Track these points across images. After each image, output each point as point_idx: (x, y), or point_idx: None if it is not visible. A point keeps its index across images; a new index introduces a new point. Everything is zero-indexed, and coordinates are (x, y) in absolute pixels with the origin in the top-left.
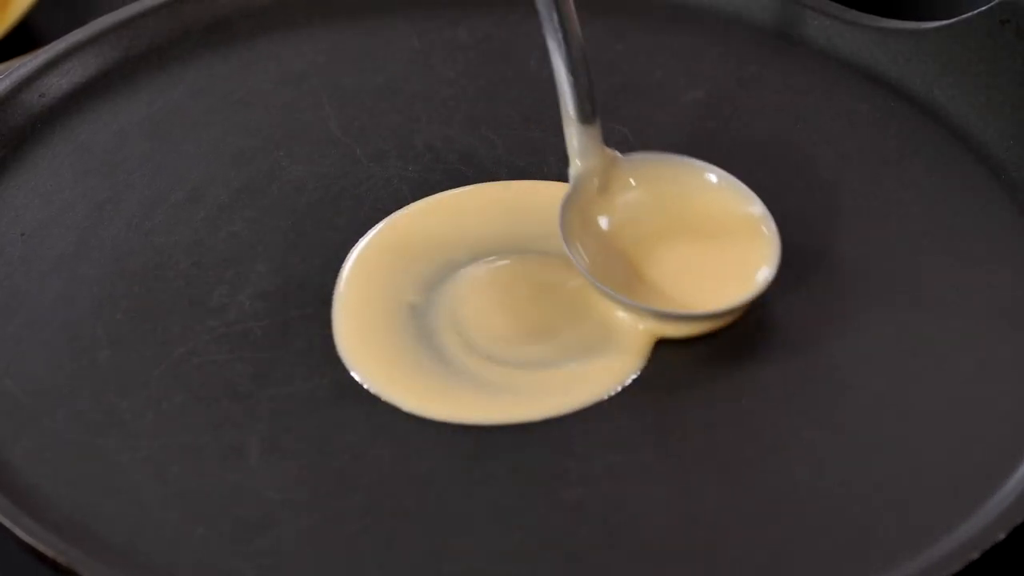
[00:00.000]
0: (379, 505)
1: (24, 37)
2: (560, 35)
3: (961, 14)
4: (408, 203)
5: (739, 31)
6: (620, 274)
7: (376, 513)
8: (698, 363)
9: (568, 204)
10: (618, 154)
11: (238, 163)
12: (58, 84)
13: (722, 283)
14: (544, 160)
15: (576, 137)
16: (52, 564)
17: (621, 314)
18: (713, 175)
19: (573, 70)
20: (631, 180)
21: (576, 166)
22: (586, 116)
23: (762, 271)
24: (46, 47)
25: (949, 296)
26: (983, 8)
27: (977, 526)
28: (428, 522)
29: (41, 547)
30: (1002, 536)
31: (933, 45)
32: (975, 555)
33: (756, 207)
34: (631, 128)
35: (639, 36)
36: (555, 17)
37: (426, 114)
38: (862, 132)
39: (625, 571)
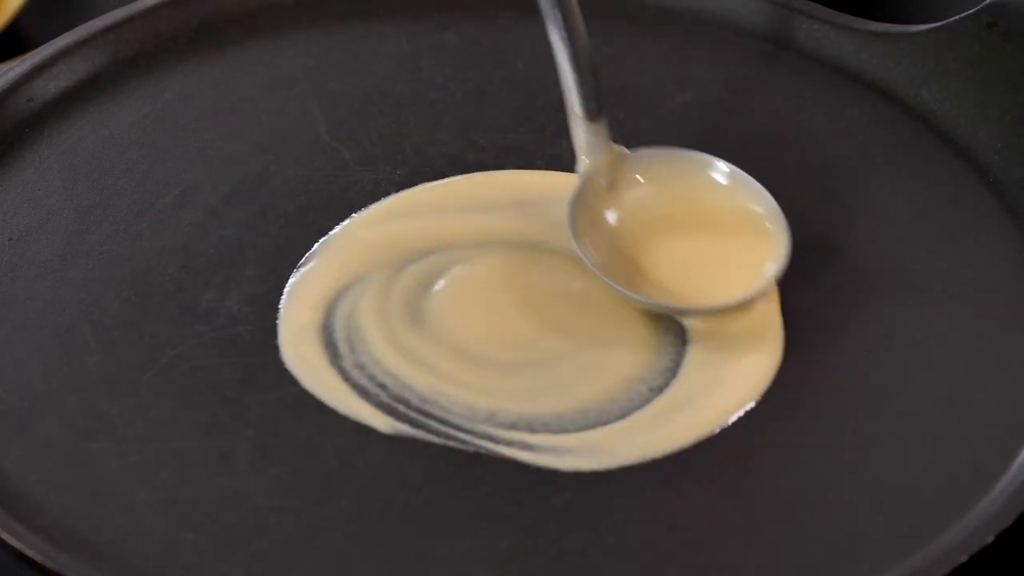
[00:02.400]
0: (368, 510)
1: (12, 41)
2: (565, 32)
3: (949, 17)
4: None
5: (728, 35)
6: (628, 270)
7: (365, 518)
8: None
9: (576, 201)
10: (626, 150)
11: (227, 167)
12: (46, 88)
13: (730, 278)
14: (533, 163)
15: (583, 134)
16: (41, 569)
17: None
18: (720, 171)
19: (578, 67)
20: (638, 176)
21: (583, 163)
22: (592, 113)
23: (769, 266)
24: (34, 51)
25: (938, 299)
26: (971, 11)
27: (966, 529)
28: (417, 527)
29: (30, 552)
30: (991, 539)
31: (921, 48)
32: (964, 558)
33: (764, 202)
34: (620, 132)
35: (629, 40)
36: (559, 14)
37: (415, 118)
38: (851, 135)
39: (615, 575)
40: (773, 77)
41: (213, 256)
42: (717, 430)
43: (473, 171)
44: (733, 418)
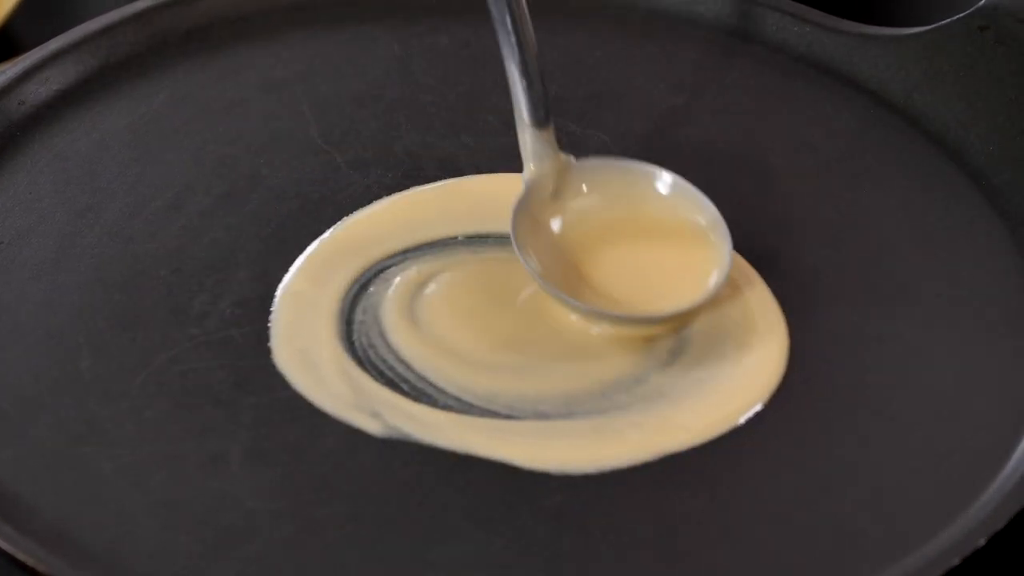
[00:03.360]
0: (360, 513)
1: (4, 44)
2: (514, 39)
3: (940, 20)
4: None
5: (719, 38)
6: (571, 278)
7: (357, 521)
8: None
9: (520, 208)
10: (572, 159)
11: (219, 171)
12: (38, 92)
13: (672, 288)
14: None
15: (530, 141)
16: (33, 573)
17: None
18: (664, 183)
19: (527, 73)
20: (583, 185)
21: (530, 170)
22: (540, 120)
23: (712, 276)
24: (26, 54)
25: (930, 303)
26: (962, 14)
27: (959, 532)
28: (409, 530)
29: (22, 556)
30: (983, 542)
31: (912, 51)
32: (956, 561)
33: (707, 213)
34: (610, 134)
35: (618, 43)
36: (508, 21)
37: (406, 121)
38: (842, 138)
39: None
40: (763, 80)
41: (205, 259)
42: (714, 434)
43: (464, 173)
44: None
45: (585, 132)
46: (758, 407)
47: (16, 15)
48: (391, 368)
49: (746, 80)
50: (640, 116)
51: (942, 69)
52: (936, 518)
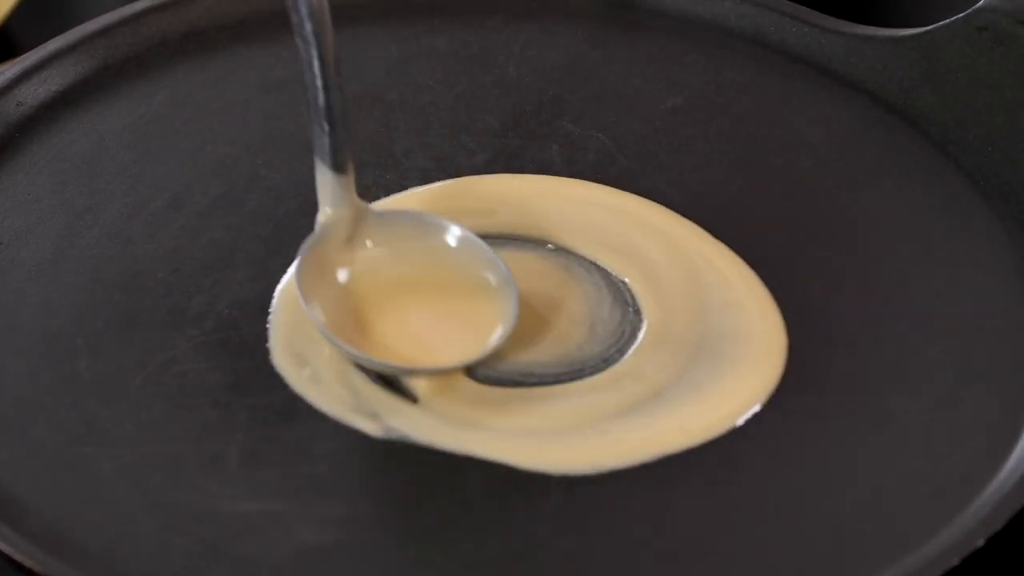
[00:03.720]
0: (359, 514)
1: (2, 45)
2: (320, 82)
3: (939, 21)
4: None
5: (717, 38)
6: (354, 327)
7: (356, 522)
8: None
9: (310, 251)
10: (370, 208)
11: (217, 171)
12: (36, 93)
13: (454, 341)
14: (523, 167)
15: (328, 185)
16: (31, 574)
17: None
18: (454, 236)
19: (331, 118)
20: (376, 235)
21: (326, 214)
22: (340, 166)
23: (495, 330)
24: (24, 55)
25: (928, 302)
26: (960, 15)
27: (957, 533)
28: (407, 531)
29: (20, 557)
30: (981, 543)
31: (911, 52)
32: (955, 561)
33: (496, 268)
34: (609, 135)
35: (617, 44)
36: (316, 65)
37: (404, 122)
38: (839, 139)
39: None
40: (761, 81)
41: (203, 260)
42: (713, 434)
43: (462, 174)
44: (738, 423)
45: (584, 133)
46: (756, 408)
47: (14, 16)
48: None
49: (745, 80)
50: (639, 117)
51: (940, 70)
52: (935, 519)
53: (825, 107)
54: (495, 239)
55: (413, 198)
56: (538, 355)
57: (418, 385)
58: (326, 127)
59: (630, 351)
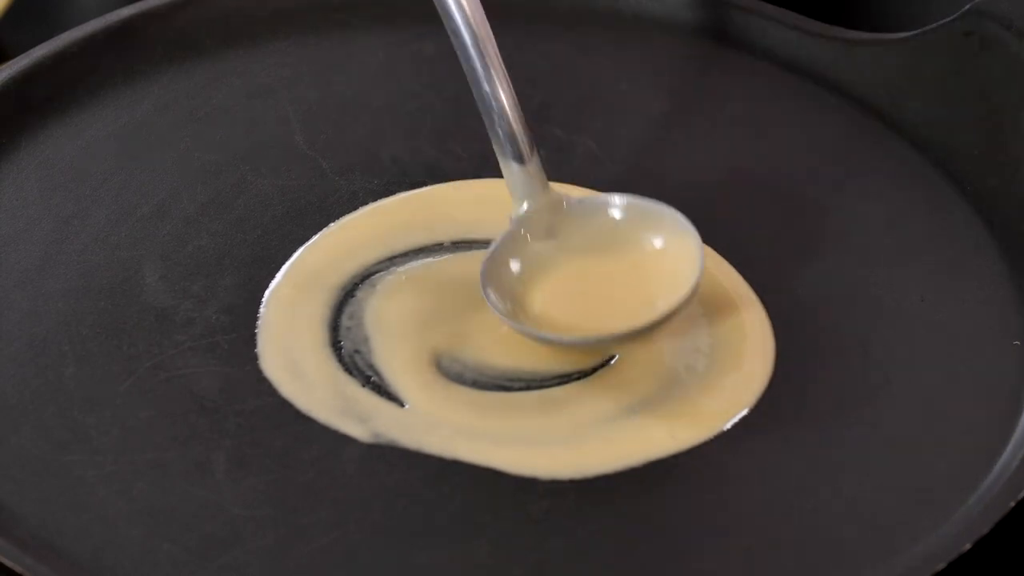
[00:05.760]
0: (345, 520)
1: None
2: (482, 74)
3: (925, 26)
4: None
5: (704, 44)
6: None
7: (342, 528)
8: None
9: (503, 245)
10: (564, 196)
11: (204, 177)
12: (22, 99)
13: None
14: None
15: (515, 178)
16: None
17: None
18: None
19: (500, 110)
20: (571, 225)
21: (519, 207)
22: (519, 156)
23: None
24: (11, 61)
25: (915, 309)
26: (947, 20)
27: (944, 537)
28: (394, 536)
29: (6, 563)
30: (968, 547)
31: (898, 56)
32: (941, 566)
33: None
34: (596, 141)
35: (604, 49)
36: (475, 61)
37: (392, 128)
38: (826, 143)
39: None
40: (748, 86)
41: (191, 266)
42: (700, 439)
43: (450, 180)
44: (725, 427)
45: (571, 138)
46: (744, 412)
47: (1, 23)
48: (377, 374)
49: (732, 86)
50: (626, 122)
51: (927, 75)
52: (921, 523)
53: (811, 112)
54: (484, 244)
55: (400, 203)
56: (525, 360)
57: (405, 390)
58: (495, 118)
59: (617, 356)
